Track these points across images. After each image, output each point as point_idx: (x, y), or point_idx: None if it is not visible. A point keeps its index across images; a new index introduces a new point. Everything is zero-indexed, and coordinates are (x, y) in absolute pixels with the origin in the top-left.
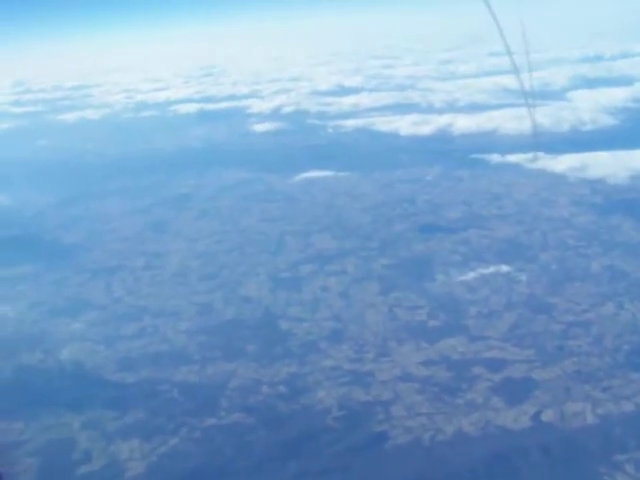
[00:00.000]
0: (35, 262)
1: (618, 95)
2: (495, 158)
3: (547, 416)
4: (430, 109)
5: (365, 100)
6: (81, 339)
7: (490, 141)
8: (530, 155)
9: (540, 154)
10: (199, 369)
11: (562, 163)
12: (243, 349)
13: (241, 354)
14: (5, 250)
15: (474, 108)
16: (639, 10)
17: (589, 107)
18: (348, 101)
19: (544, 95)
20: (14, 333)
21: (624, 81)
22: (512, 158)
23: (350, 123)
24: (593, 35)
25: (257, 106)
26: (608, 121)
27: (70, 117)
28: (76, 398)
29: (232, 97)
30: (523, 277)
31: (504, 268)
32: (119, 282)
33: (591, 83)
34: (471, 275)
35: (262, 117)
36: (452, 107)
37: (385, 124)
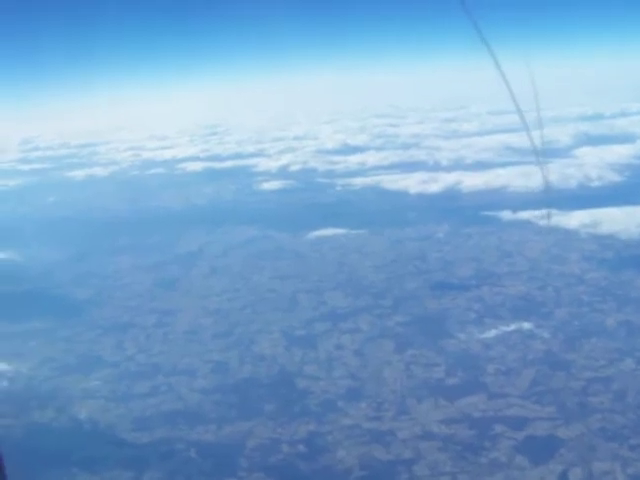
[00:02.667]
0: (46, 318)
1: (621, 152)
2: (506, 215)
3: (575, 475)
4: (437, 167)
5: (371, 158)
6: (94, 397)
7: (499, 198)
8: (542, 212)
9: (553, 211)
10: (216, 428)
11: (573, 219)
12: (260, 408)
13: (258, 413)
14: (16, 306)
15: (480, 166)
16: (632, 70)
17: (595, 164)
18: (354, 159)
19: (549, 152)
20: (25, 390)
21: (626, 139)
22: (523, 215)
23: (358, 181)
24: (590, 94)
25: (264, 164)
26: (614, 178)
27: (78, 174)
28: (90, 457)
29: (238, 155)
30: (539, 334)
31: (519, 325)
32: (131, 339)
33: (594, 140)
34: (486, 332)
35: (269, 175)
36: (459, 165)
37: (393, 182)
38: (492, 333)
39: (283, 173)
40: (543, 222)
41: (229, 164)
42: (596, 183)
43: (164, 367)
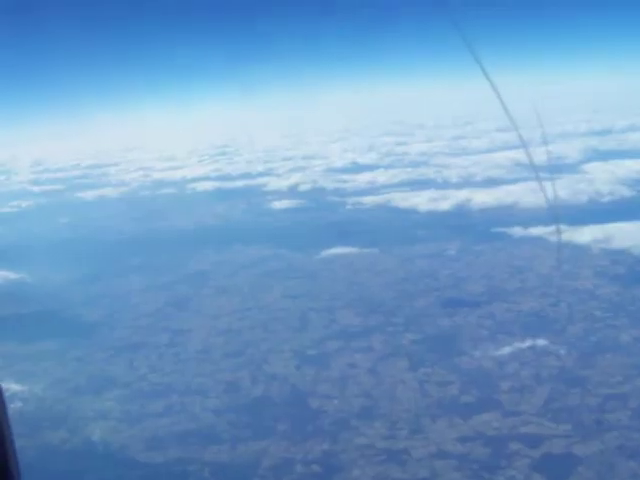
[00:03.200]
0: (57, 338)
1: (632, 167)
2: (517, 231)
3: None
4: (446, 184)
5: (381, 177)
6: (106, 417)
7: (510, 215)
8: (553, 229)
9: (563, 227)
10: (229, 448)
11: (585, 235)
12: (273, 427)
13: (272, 432)
14: (27, 326)
15: (490, 183)
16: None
17: (605, 179)
18: (364, 178)
19: (559, 168)
20: (38, 411)
21: (636, 153)
22: (535, 231)
23: (368, 200)
24: (597, 109)
25: (274, 184)
26: (626, 192)
27: (89, 195)
28: (103, 479)
29: (248, 175)
30: (553, 350)
31: (532, 341)
32: (143, 359)
33: (603, 155)
34: (499, 349)
35: (280, 194)
36: (468, 182)
37: (403, 200)
38: (505, 350)
39: (293, 192)
40: (554, 238)
41: (239, 183)
42: (607, 198)
43: (177, 387)
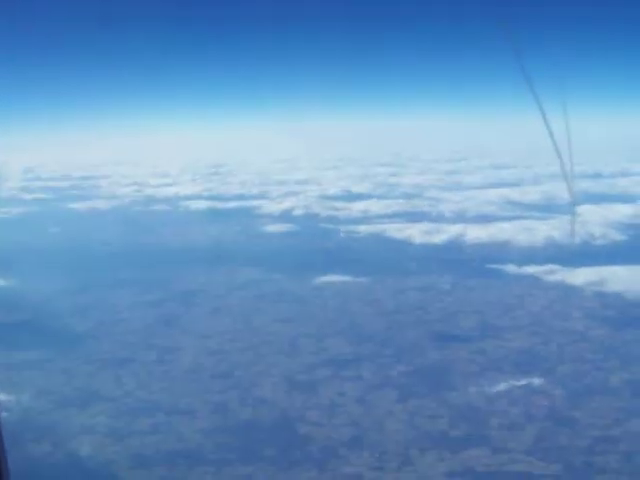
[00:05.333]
0: (43, 348)
1: (623, 211)
2: (510, 269)
3: None
4: (440, 218)
5: (374, 207)
6: (91, 432)
7: (504, 252)
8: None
9: (555, 267)
10: (215, 470)
11: (579, 276)
12: (261, 452)
13: (259, 457)
14: (13, 334)
15: (483, 219)
16: (630, 130)
17: (597, 222)
18: (357, 207)
19: (550, 209)
20: (21, 422)
21: (627, 198)
22: (528, 269)
23: (362, 229)
24: (588, 152)
25: (267, 207)
26: (617, 236)
27: (80, 206)
28: None
29: (241, 197)
30: (542, 389)
31: (521, 379)
32: (130, 375)
33: (594, 199)
34: (489, 385)
35: (272, 218)
36: (461, 217)
37: (397, 231)
38: (495, 386)
39: (286, 216)
40: (548, 277)
41: (232, 204)
42: (600, 241)
43: (164, 405)
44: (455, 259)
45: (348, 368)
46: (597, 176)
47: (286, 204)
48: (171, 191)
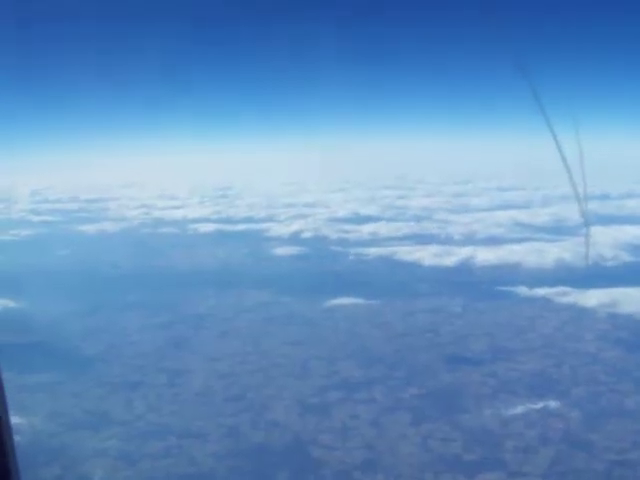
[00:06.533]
0: (54, 371)
1: (632, 232)
2: (521, 291)
3: None
4: (449, 240)
5: (384, 229)
6: (103, 455)
7: (514, 274)
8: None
9: (567, 289)
10: None
11: (591, 298)
12: (274, 476)
13: None
14: (24, 357)
15: (492, 241)
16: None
17: (607, 243)
18: (366, 229)
19: (560, 230)
20: (31, 445)
21: (635, 220)
22: (539, 292)
23: (372, 251)
24: (595, 173)
25: (275, 230)
26: (628, 258)
27: (89, 228)
28: None
29: (249, 219)
30: (556, 412)
31: (535, 402)
32: (141, 398)
33: (603, 220)
34: (503, 408)
35: (281, 241)
36: (471, 240)
37: (407, 254)
38: (508, 409)
39: (295, 239)
40: (560, 299)
41: (241, 227)
42: (611, 262)
43: (175, 429)
44: (465, 281)
45: (360, 391)
46: (605, 197)
47: (295, 227)
48: (179, 214)
